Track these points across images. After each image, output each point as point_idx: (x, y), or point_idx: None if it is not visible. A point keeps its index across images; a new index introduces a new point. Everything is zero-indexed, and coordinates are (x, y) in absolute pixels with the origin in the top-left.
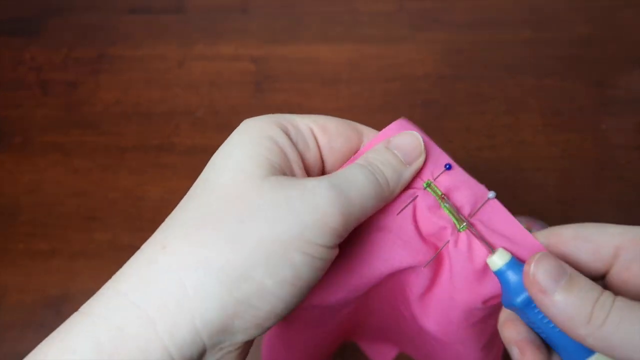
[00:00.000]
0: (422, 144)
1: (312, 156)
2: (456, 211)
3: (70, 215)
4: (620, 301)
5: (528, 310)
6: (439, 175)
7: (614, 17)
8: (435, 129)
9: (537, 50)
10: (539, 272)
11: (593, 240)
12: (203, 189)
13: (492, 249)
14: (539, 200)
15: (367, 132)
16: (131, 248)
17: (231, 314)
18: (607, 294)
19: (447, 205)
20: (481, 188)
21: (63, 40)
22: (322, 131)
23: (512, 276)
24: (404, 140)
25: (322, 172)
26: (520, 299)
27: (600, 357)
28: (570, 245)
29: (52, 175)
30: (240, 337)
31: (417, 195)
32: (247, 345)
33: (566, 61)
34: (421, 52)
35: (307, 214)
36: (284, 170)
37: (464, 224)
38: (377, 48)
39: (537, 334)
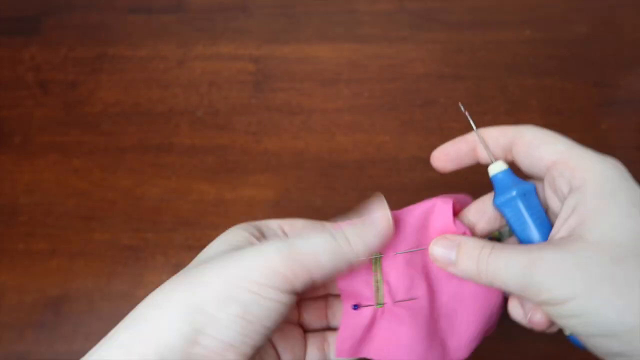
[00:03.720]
0: (390, 220)
1: None
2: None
3: (69, 215)
4: (495, 249)
5: (502, 209)
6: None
7: (614, 17)
8: (435, 129)
9: (537, 50)
10: (436, 250)
11: (540, 150)
12: (195, 261)
13: (493, 159)
14: None
15: (330, 227)
16: (131, 248)
17: (190, 341)
18: (486, 247)
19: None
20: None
21: (63, 40)
22: (290, 226)
23: (500, 182)
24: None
25: (299, 299)
26: (498, 200)
27: None
28: (525, 147)
29: (51, 175)
30: None
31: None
32: None
33: (566, 61)
34: (421, 52)
35: (254, 260)
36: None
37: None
38: (377, 48)
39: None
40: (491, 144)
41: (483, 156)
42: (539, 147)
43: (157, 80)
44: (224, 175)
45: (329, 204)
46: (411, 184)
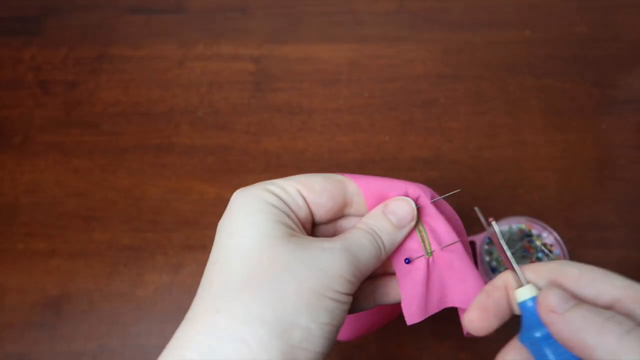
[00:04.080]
0: (415, 210)
1: (303, 213)
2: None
3: (69, 215)
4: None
5: (544, 345)
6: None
7: (614, 17)
8: (435, 129)
9: (537, 50)
10: (550, 295)
11: (595, 287)
12: (229, 256)
13: (524, 281)
14: (539, 200)
15: (347, 181)
16: (131, 248)
17: (290, 359)
18: (626, 317)
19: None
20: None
21: (63, 40)
22: (309, 190)
23: (529, 313)
24: (398, 207)
25: (313, 224)
26: (539, 332)
27: None
28: (573, 284)
29: (51, 175)
30: None
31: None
32: None
33: (566, 61)
34: (421, 52)
35: (330, 270)
36: (292, 229)
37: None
38: (377, 48)
39: None
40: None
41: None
42: (593, 283)
43: (157, 80)
44: (224, 175)
45: None
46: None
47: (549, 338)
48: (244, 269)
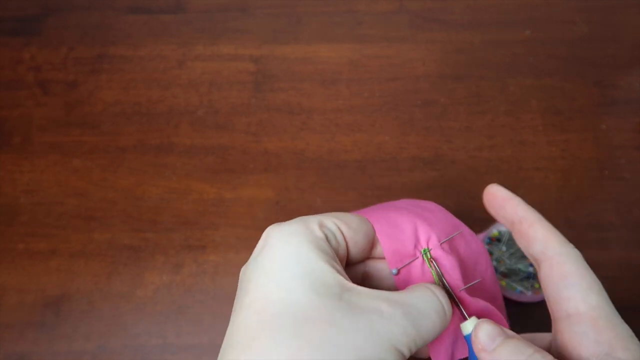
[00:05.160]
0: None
1: (342, 252)
2: (441, 276)
3: (69, 215)
4: None
5: None
6: (431, 248)
7: (614, 17)
8: (435, 129)
9: (537, 50)
10: (480, 333)
11: (566, 292)
12: (277, 308)
13: (466, 316)
14: (539, 200)
15: (374, 225)
16: (131, 248)
17: None
18: (544, 355)
19: (435, 272)
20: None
21: (63, 40)
22: (347, 227)
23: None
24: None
25: (347, 260)
26: None
27: None
28: (552, 275)
29: (51, 175)
30: None
31: (417, 257)
32: None
33: (566, 61)
34: (421, 52)
35: (387, 341)
36: (340, 274)
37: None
38: (377, 48)
39: None
40: (525, 241)
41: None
42: (572, 288)
43: (157, 80)
44: (224, 175)
45: (329, 203)
46: (411, 183)
47: None
48: (293, 329)
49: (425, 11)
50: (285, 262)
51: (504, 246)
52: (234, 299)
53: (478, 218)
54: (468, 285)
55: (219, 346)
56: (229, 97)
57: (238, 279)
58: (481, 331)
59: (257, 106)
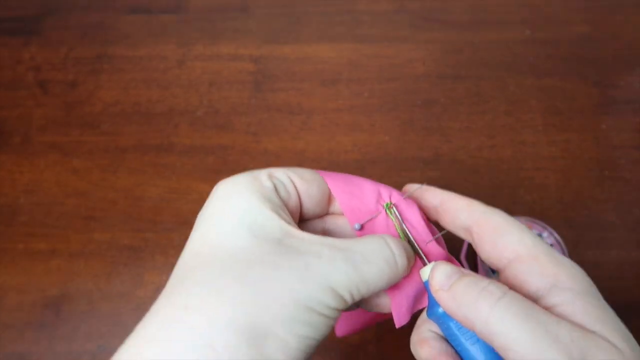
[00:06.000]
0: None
1: (293, 203)
2: (403, 228)
3: (69, 215)
4: (511, 295)
5: (447, 319)
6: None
7: (614, 17)
8: (435, 129)
9: (537, 50)
10: (436, 273)
11: (501, 240)
12: (211, 252)
13: (426, 261)
14: (539, 200)
15: (327, 180)
16: (131, 248)
17: None
18: (498, 285)
19: (397, 224)
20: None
21: (63, 40)
22: (300, 178)
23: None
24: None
25: (301, 214)
26: (441, 308)
27: None
28: (483, 234)
29: (51, 175)
30: None
31: (380, 212)
32: None
33: (566, 61)
34: (421, 52)
35: (325, 283)
36: (286, 223)
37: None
38: (377, 48)
39: (455, 351)
40: (451, 216)
41: (447, 219)
42: (506, 235)
43: (157, 80)
44: (224, 175)
45: None
46: (411, 183)
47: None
48: (225, 268)
49: (425, 11)
50: (227, 210)
51: None
52: None
53: None
54: (434, 237)
55: None
56: (229, 97)
57: None
58: (437, 271)
59: (257, 106)
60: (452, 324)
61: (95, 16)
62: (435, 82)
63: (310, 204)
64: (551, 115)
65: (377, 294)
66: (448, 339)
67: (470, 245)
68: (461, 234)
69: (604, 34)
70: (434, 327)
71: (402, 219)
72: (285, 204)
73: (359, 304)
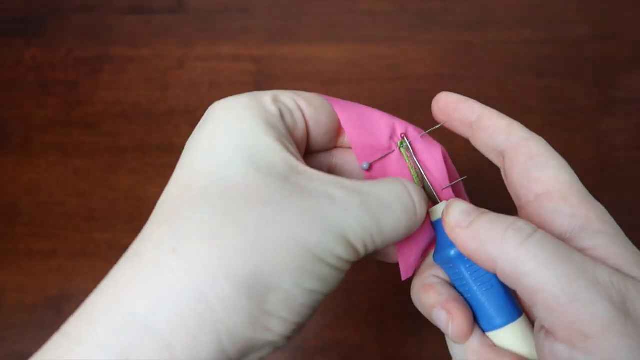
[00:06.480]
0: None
1: (300, 133)
2: (420, 171)
3: (70, 215)
4: (542, 232)
5: (459, 262)
6: (408, 141)
7: (614, 17)
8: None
9: (537, 50)
10: (452, 210)
11: (534, 173)
12: (205, 185)
13: (438, 200)
14: None
15: (336, 108)
16: None
17: (260, 327)
18: (527, 222)
19: (412, 167)
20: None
21: (63, 40)
22: (308, 104)
23: (443, 231)
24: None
25: (307, 145)
26: (452, 250)
27: (522, 322)
28: (518, 162)
29: (51, 175)
30: (267, 350)
31: (393, 150)
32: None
33: (566, 61)
34: (421, 52)
35: (335, 229)
36: (293, 156)
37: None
38: (377, 48)
39: (461, 295)
40: (487, 136)
41: (483, 137)
42: (541, 167)
43: (158, 80)
44: None
45: None
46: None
47: (460, 255)
48: (219, 205)
49: (425, 11)
50: (222, 134)
51: None
52: None
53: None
54: (452, 183)
55: None
56: None
57: None
58: (454, 207)
59: None
60: (464, 268)
61: (95, 16)
62: (435, 82)
63: (319, 135)
64: (551, 115)
65: None
66: (455, 285)
67: None
68: (492, 157)
69: (604, 34)
70: (440, 273)
71: (417, 160)
72: (291, 133)
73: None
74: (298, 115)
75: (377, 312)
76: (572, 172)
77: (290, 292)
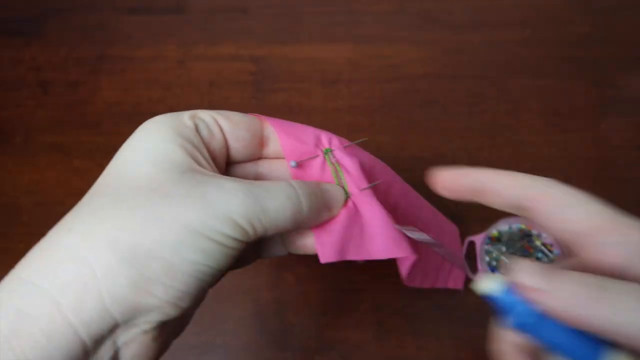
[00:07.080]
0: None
1: (217, 144)
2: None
3: None
4: (621, 282)
5: (541, 323)
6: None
7: (614, 17)
8: (435, 129)
9: (537, 50)
10: (524, 276)
11: (568, 214)
12: (114, 182)
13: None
14: None
15: (262, 120)
16: None
17: (143, 291)
18: (605, 277)
19: (333, 171)
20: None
21: (63, 40)
22: (227, 120)
23: (509, 296)
24: (332, 187)
25: (229, 163)
26: (531, 316)
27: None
28: (542, 210)
29: (52, 175)
30: (156, 316)
31: (318, 155)
32: (167, 328)
33: (566, 61)
34: (421, 52)
35: (220, 209)
36: (199, 164)
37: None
38: (377, 48)
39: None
40: (496, 197)
41: (496, 201)
42: (572, 207)
43: (158, 80)
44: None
45: None
46: (411, 183)
47: (542, 317)
48: (117, 195)
49: (425, 11)
50: (138, 144)
51: (504, 246)
52: (234, 298)
53: (478, 218)
54: (368, 186)
55: (219, 346)
56: (230, 97)
57: (238, 277)
58: (527, 271)
59: (257, 106)
60: (548, 326)
61: (95, 17)
62: (435, 82)
63: (239, 146)
64: (551, 115)
65: (302, 234)
66: (541, 342)
67: (470, 245)
68: (513, 211)
69: (604, 34)
70: (512, 339)
71: (339, 165)
72: (207, 144)
73: (289, 250)
74: (215, 129)
75: (377, 312)
76: (598, 201)
77: (170, 260)
